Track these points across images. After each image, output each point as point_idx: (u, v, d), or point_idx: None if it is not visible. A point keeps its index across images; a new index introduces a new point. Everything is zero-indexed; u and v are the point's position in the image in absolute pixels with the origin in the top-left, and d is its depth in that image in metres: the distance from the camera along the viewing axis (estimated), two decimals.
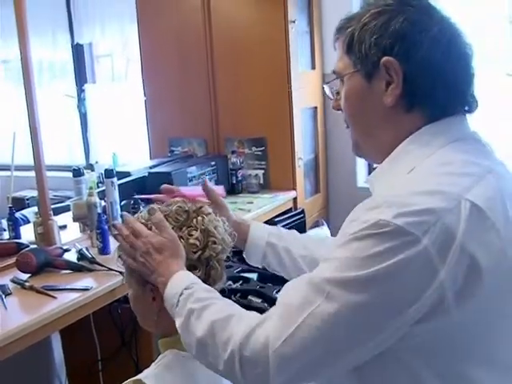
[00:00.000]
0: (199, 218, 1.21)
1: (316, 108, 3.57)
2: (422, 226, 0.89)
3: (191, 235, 1.19)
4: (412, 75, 1.00)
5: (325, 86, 1.18)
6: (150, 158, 3.65)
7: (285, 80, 3.21)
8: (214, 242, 1.21)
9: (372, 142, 1.10)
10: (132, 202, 2.71)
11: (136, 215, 1.25)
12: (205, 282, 1.18)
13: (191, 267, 1.18)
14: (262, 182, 3.40)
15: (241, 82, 3.32)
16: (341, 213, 4.54)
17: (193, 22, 3.37)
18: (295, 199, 3.36)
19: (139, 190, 2.83)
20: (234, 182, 3.34)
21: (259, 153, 3.38)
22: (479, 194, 0.94)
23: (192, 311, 1.06)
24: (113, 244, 2.35)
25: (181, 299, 1.09)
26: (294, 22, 3.16)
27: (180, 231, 1.19)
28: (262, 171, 3.39)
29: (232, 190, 3.32)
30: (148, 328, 1.30)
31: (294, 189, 3.34)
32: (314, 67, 3.54)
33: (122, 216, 1.27)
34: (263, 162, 3.38)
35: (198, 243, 1.19)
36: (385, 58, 1.00)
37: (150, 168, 3.16)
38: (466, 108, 1.06)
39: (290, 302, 0.97)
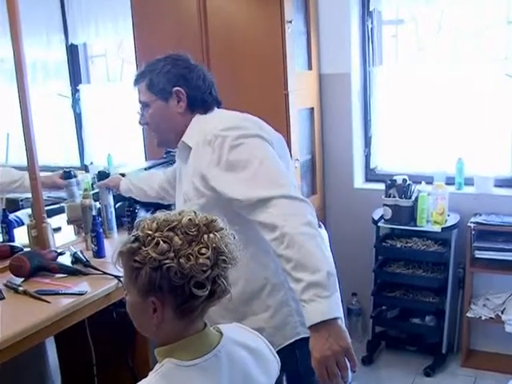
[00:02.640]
0: (211, 235, 1.16)
1: (313, 109, 3.55)
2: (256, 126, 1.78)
3: (202, 254, 1.14)
4: (190, 93, 1.81)
5: (136, 113, 1.90)
6: (146, 159, 3.62)
7: (281, 81, 3.19)
8: (224, 261, 1.17)
9: (173, 135, 1.84)
10: (127, 204, 2.68)
11: (140, 221, 1.20)
12: (209, 299, 1.16)
13: (197, 285, 1.13)
14: None
15: (236, 82, 3.29)
16: (338, 214, 4.52)
17: (188, 22, 3.34)
18: None
19: None
20: None
21: None
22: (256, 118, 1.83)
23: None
24: (108, 247, 2.32)
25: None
26: (290, 22, 3.13)
27: (189, 247, 1.14)
28: None
29: None
30: (144, 333, 1.27)
31: None
32: (310, 68, 3.52)
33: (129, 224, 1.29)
34: None
35: (208, 262, 1.13)
36: (175, 88, 1.80)
37: (146, 169, 3.12)
38: (217, 105, 1.89)
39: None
